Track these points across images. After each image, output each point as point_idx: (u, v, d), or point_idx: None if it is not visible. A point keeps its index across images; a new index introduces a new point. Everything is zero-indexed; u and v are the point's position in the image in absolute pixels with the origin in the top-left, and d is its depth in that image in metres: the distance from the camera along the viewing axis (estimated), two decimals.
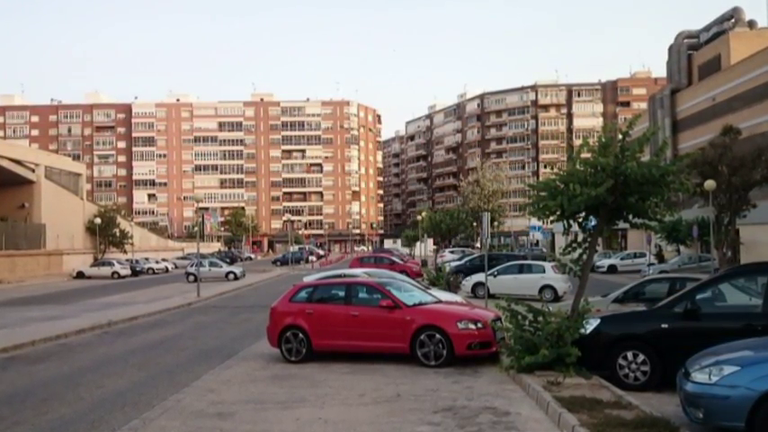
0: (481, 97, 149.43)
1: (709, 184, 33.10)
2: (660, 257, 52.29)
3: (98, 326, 22.98)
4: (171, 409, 10.83)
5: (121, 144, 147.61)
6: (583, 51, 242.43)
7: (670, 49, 67.91)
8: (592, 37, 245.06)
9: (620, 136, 13.82)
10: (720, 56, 59.98)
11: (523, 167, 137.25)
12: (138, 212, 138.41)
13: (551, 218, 14.81)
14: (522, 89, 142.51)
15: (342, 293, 16.02)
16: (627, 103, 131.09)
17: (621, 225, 14.45)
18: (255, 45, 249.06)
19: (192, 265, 50.12)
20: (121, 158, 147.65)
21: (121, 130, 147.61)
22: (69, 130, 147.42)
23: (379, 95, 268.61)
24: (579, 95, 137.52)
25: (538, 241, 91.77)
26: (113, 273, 59.94)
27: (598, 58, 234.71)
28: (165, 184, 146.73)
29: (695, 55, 65.63)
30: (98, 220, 69.19)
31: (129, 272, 61.51)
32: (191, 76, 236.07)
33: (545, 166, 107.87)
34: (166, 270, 69.19)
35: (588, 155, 14.10)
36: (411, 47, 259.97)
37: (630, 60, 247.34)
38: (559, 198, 13.58)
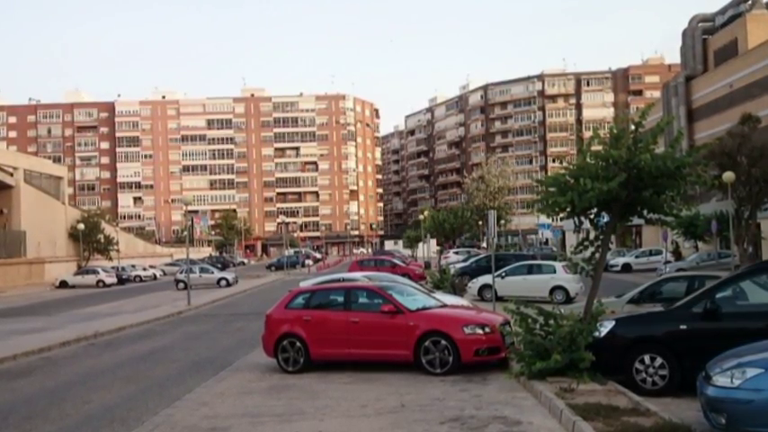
0: (485, 88, 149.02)
1: (728, 176, 32.98)
2: (677, 255, 52.37)
3: (83, 337, 22.98)
4: (162, 424, 10.78)
5: (105, 145, 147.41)
6: (591, 38, 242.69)
7: (684, 33, 67.72)
8: (600, 22, 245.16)
9: (632, 126, 13.82)
10: (737, 40, 59.93)
11: (531, 162, 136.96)
12: (124, 217, 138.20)
13: (561, 215, 14.85)
14: (528, 79, 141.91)
15: (341, 299, 15.92)
16: (639, 92, 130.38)
17: (636, 221, 14.46)
18: (244, 37, 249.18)
19: (181, 272, 49.92)
20: (105, 160, 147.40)
21: (104, 129, 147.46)
22: (49, 131, 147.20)
23: (376, 89, 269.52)
24: (588, 84, 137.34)
25: (547, 240, 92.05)
26: (98, 281, 59.91)
27: (608, 45, 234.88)
28: (152, 186, 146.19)
29: (710, 39, 65.40)
30: (81, 226, 69.42)
31: (114, 280, 61.46)
32: (177, 72, 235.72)
33: (554, 160, 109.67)
34: (154, 277, 69.13)
35: (599, 147, 14.05)
36: (409, 36, 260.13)
37: (642, 47, 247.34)
38: (569, 194, 13.50)
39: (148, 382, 14.76)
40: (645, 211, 13.98)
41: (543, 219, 61.41)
